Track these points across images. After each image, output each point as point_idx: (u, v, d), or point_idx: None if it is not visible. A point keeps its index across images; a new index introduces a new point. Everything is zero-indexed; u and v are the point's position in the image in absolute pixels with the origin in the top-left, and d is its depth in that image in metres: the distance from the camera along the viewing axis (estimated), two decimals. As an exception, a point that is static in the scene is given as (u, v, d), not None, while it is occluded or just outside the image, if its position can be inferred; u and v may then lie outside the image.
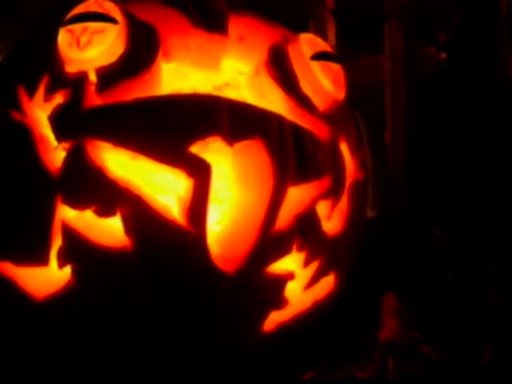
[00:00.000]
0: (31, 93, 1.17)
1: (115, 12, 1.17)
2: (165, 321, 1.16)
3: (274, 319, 1.23)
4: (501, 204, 1.93)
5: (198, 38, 1.24)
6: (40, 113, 1.16)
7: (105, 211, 1.11)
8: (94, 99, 1.14)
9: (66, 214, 1.13)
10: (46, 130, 1.15)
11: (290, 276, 1.22)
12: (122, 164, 1.13)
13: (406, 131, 1.88)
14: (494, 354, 1.35)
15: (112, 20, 1.16)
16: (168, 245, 1.12)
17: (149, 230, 1.12)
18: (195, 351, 1.20)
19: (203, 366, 1.22)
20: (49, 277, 1.15)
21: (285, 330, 1.25)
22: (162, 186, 1.14)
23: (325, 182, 1.24)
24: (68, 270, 1.13)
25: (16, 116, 1.16)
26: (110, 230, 1.12)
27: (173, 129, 1.13)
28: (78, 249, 1.13)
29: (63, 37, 1.17)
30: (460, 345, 1.40)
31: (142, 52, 1.18)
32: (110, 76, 1.15)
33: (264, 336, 1.22)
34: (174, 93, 1.19)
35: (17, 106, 1.17)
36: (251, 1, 1.54)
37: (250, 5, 1.41)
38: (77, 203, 1.12)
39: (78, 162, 1.12)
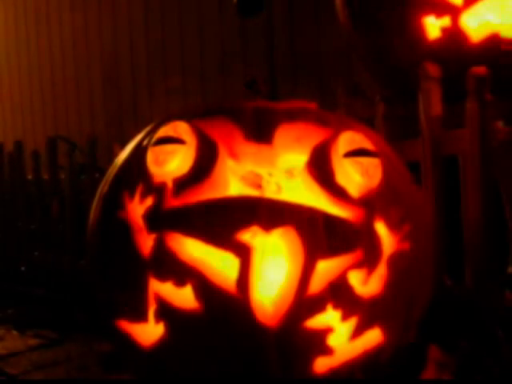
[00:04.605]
0: (131, 196, 1.29)
1: (185, 133, 1.27)
2: (228, 366, 1.22)
3: (324, 363, 1.23)
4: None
5: (249, 148, 1.28)
6: (137, 211, 1.27)
7: (179, 283, 1.21)
8: (171, 201, 1.24)
9: (156, 285, 1.23)
10: (141, 224, 1.25)
11: (329, 329, 1.21)
12: (190, 248, 1.21)
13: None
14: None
15: (181, 141, 1.26)
16: (225, 307, 1.19)
17: (211, 296, 1.20)
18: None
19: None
20: (149, 331, 1.25)
21: (337, 373, 1.24)
22: (219, 264, 1.20)
23: (356, 255, 1.21)
24: (161, 325, 1.23)
25: (121, 214, 1.29)
26: (185, 296, 1.21)
27: (224, 222, 1.20)
28: (166, 310, 1.23)
29: (150, 156, 1.29)
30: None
31: (205, 163, 1.26)
32: (182, 183, 1.25)
33: (318, 377, 1.23)
34: (225, 196, 1.24)
35: (122, 206, 1.29)
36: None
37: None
38: (161, 278, 1.22)
39: (161, 247, 1.23)
